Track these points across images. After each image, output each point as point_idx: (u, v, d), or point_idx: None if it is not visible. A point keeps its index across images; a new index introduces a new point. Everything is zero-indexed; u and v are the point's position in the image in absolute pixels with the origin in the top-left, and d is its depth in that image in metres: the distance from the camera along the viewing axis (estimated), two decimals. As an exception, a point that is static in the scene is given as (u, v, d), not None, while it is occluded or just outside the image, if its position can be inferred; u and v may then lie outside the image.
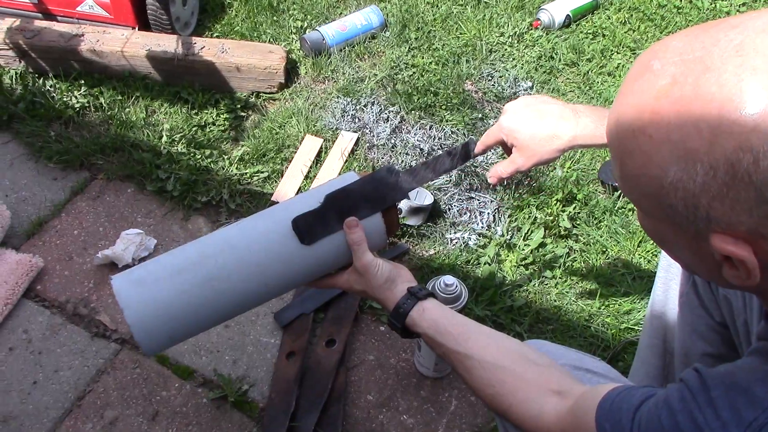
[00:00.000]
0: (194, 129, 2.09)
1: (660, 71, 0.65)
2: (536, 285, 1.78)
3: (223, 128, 2.12)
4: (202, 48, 2.20)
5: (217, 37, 2.39)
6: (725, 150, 0.61)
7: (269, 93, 2.24)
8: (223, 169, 2.00)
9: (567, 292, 1.77)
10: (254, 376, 1.62)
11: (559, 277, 1.79)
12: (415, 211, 1.87)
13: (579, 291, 1.78)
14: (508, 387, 0.97)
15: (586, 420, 0.83)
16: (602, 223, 1.91)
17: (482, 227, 1.90)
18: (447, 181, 1.99)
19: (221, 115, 2.15)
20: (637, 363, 1.45)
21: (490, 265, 1.80)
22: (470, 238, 1.87)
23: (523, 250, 1.83)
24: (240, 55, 2.19)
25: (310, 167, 2.01)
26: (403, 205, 1.86)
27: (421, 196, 1.91)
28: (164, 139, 2.04)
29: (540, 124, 1.17)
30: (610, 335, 1.68)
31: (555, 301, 1.75)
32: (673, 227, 0.70)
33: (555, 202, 1.93)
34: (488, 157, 2.05)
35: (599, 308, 1.74)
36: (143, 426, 1.53)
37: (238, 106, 2.18)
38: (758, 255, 0.65)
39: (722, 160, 0.61)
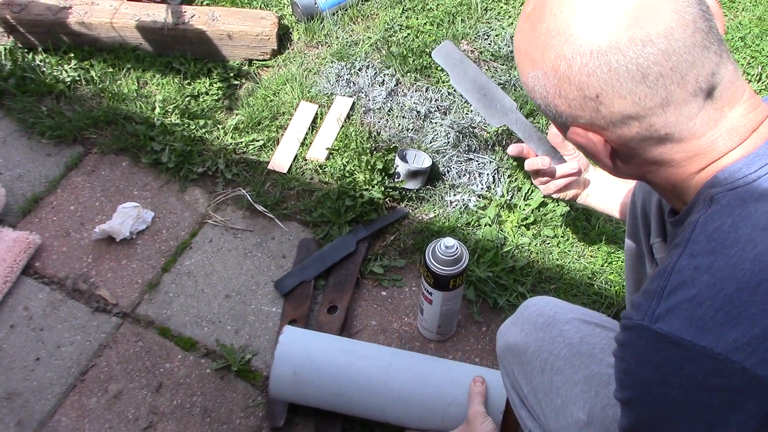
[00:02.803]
0: (187, 99, 2.06)
1: (530, 2, 0.84)
2: (538, 245, 1.76)
3: (216, 97, 2.09)
4: (192, 16, 2.16)
5: (207, 4, 2.35)
6: (550, 58, 0.80)
7: (262, 60, 2.21)
8: (218, 138, 1.98)
9: (569, 250, 1.76)
10: (257, 345, 1.61)
11: (561, 236, 1.78)
12: (413, 174, 1.84)
13: (581, 249, 1.76)
14: None
15: None
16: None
17: (482, 188, 1.88)
18: (445, 143, 1.96)
19: (214, 85, 2.11)
20: None
21: (490, 226, 1.79)
22: (470, 200, 1.85)
23: (523, 210, 1.81)
24: (231, 23, 2.15)
25: (306, 134, 1.99)
26: (401, 168, 1.84)
27: (419, 159, 1.89)
28: (157, 110, 2.01)
29: None
30: (614, 292, 1.67)
31: (557, 260, 1.74)
32: (559, 128, 0.88)
33: (555, 160, 1.90)
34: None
35: (602, 266, 1.72)
36: (147, 398, 1.53)
37: (231, 74, 2.15)
38: (608, 144, 0.82)
39: (549, 66, 0.80)
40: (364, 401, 1.39)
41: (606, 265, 1.73)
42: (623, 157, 0.84)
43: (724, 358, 0.71)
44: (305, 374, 1.39)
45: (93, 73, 2.12)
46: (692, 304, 0.73)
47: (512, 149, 1.56)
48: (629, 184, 1.45)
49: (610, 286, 1.68)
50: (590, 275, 1.71)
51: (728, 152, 0.79)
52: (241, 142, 1.97)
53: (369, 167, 1.84)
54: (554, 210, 1.81)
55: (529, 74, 0.84)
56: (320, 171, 1.91)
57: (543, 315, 1.18)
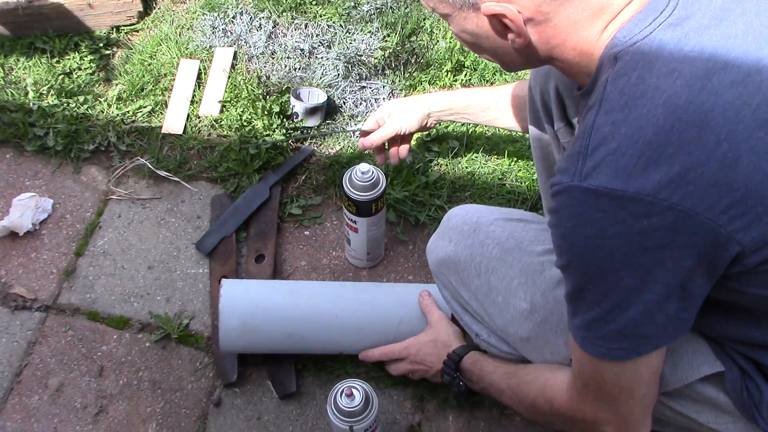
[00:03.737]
0: (60, 78, 1.96)
1: None
2: (446, 157, 1.80)
3: (90, 71, 1.99)
4: (45, -9, 2.03)
5: (58, -24, 2.22)
6: None
7: (130, 25, 2.11)
8: (103, 112, 1.89)
9: (476, 157, 1.80)
10: (192, 309, 1.59)
11: (466, 144, 1.82)
12: (311, 111, 1.83)
13: (487, 153, 1.82)
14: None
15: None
16: (495, 84, 1.94)
17: (381, 113, 1.89)
18: (335, 76, 1.95)
19: (85, 58, 2.01)
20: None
21: (397, 147, 1.81)
22: (372, 127, 1.86)
23: (425, 126, 1.84)
24: (89, -9, 2.04)
25: (194, 91, 1.93)
26: (298, 108, 1.82)
27: (314, 96, 1.88)
28: (31, 94, 1.90)
29: None
30: (525, 187, 1.73)
31: (467, 168, 1.78)
32: (463, 15, 0.89)
33: (445, 73, 1.94)
34: (371, 44, 2.02)
35: (509, 165, 1.78)
36: (92, 384, 1.49)
37: (101, 45, 2.05)
38: (521, 13, 0.84)
39: None
40: (317, 337, 1.41)
41: (513, 163, 1.79)
42: (536, 24, 0.86)
43: (652, 199, 0.76)
44: (254, 322, 1.39)
45: (-50, 69, 1.97)
46: (615, 156, 0.78)
47: (361, 147, 1.61)
48: (502, 97, 1.51)
49: (521, 183, 1.75)
50: (500, 176, 1.76)
51: (625, 6, 0.84)
52: (128, 112, 1.89)
53: (266, 112, 1.82)
54: (454, 121, 1.84)
55: None
56: (217, 125, 1.87)
57: (467, 222, 1.22)
